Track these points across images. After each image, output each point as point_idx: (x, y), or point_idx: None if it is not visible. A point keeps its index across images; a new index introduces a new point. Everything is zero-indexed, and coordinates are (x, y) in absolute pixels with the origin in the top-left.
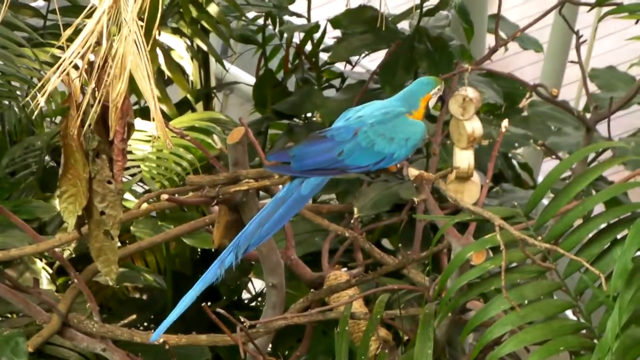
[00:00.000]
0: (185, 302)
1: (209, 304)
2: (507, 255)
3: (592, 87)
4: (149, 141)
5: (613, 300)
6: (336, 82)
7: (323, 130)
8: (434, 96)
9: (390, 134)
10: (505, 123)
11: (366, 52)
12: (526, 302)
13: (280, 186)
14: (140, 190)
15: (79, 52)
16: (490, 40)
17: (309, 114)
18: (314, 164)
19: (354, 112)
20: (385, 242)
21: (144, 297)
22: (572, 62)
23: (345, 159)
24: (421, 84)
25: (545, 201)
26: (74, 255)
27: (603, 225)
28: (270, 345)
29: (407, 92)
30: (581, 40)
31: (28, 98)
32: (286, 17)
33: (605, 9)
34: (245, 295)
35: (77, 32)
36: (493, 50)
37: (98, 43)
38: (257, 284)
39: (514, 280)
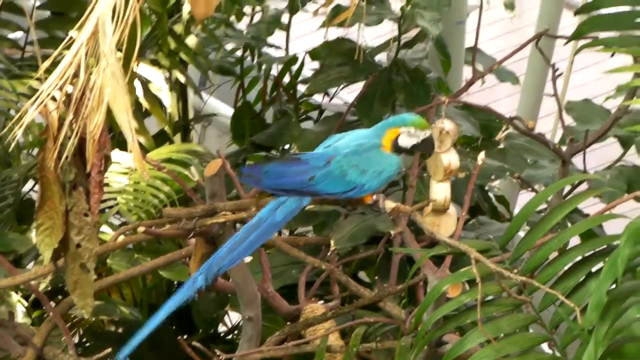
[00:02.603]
0: (155, 322)
1: (185, 337)
2: (483, 288)
3: (568, 120)
4: (126, 173)
5: (588, 334)
6: (314, 114)
7: (300, 153)
8: (406, 135)
9: (363, 165)
10: (481, 155)
11: (344, 84)
12: (502, 335)
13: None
14: (117, 222)
15: (56, 84)
16: (467, 72)
17: (286, 146)
18: (284, 183)
19: (334, 140)
20: (362, 275)
21: (120, 330)
22: (548, 94)
23: (316, 184)
24: (397, 117)
25: (521, 234)
26: (49, 288)
27: (578, 258)
28: None
29: (383, 123)
30: (557, 73)
31: (5, 130)
32: (264, 49)
33: (581, 42)
34: (221, 329)
35: (55, 63)
36: (470, 83)
37: (76, 75)
38: (233, 317)
39: (490, 313)
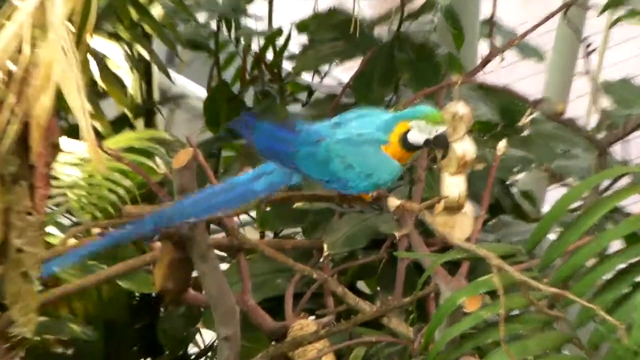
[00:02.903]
0: (87, 249)
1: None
2: (507, 301)
3: (605, 103)
4: (78, 164)
5: (634, 356)
6: (302, 96)
7: (300, 121)
8: (417, 130)
9: (351, 160)
10: (502, 144)
11: (337, 62)
12: (530, 357)
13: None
14: (67, 222)
15: None
16: (483, 48)
17: None
18: (267, 145)
19: (350, 117)
20: (361, 285)
21: (69, 351)
22: (580, 73)
23: (296, 160)
24: (410, 109)
25: (551, 236)
26: None
27: (621, 266)
28: None
29: (397, 115)
30: (590, 48)
31: None
32: (243, 21)
33: (618, 13)
34: (192, 350)
35: None
36: (487, 60)
37: (19, 50)
38: (206, 336)
39: (516, 331)
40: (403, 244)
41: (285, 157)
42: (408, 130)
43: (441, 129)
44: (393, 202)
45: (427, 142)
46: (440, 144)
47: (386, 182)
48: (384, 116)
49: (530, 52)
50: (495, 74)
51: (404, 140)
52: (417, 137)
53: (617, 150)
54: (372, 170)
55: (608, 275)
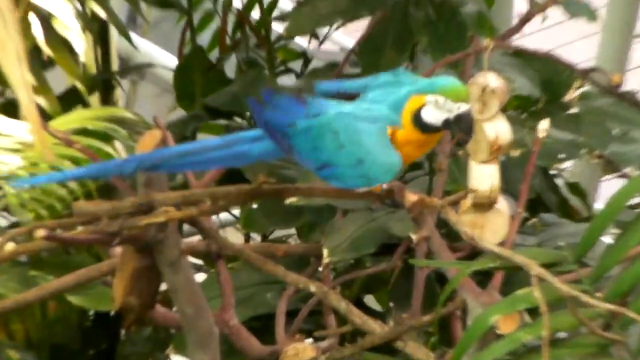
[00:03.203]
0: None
1: None
2: (552, 320)
3: None
4: (18, 150)
5: None
6: (296, 64)
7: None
8: (433, 107)
9: (343, 138)
10: (544, 125)
11: (339, 22)
12: None
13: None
14: (3, 223)
15: None
16: (520, 4)
17: None
18: (270, 121)
19: (375, 82)
20: (370, 300)
21: None
22: None
23: (290, 137)
24: (427, 80)
25: (606, 239)
26: None
27: None
28: None
29: (409, 89)
30: None
31: None
32: None
33: None
34: None
35: None
36: (526, 19)
37: None
38: None
39: (563, 358)
40: (421, 249)
41: (281, 132)
42: (422, 106)
43: (464, 107)
44: (409, 196)
45: (446, 122)
46: (462, 126)
47: (377, 178)
48: (407, 88)
49: (579, 9)
50: (536, 37)
51: (416, 119)
52: (433, 115)
53: None
54: (364, 154)
55: None
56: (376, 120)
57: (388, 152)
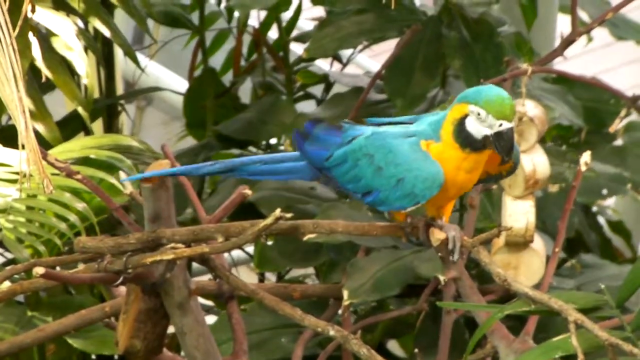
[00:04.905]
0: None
1: None
2: None
3: None
4: (15, 181)
5: None
6: (317, 89)
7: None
8: (474, 118)
9: (379, 159)
10: (586, 157)
11: (365, 44)
12: None
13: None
14: None
15: None
16: (563, 25)
17: (273, 140)
18: (310, 156)
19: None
20: (393, 346)
21: None
22: None
23: (329, 169)
24: (472, 90)
25: None
26: None
27: None
28: None
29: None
30: None
31: None
32: None
33: None
34: None
35: None
36: (568, 42)
37: None
38: None
39: None
40: (450, 292)
41: (320, 164)
42: (466, 116)
43: (506, 125)
44: (437, 233)
45: (485, 138)
46: (502, 144)
47: (424, 193)
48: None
49: (627, 31)
50: (579, 61)
51: (459, 130)
52: (475, 127)
53: None
54: (403, 172)
55: None
56: (410, 135)
57: (427, 164)
